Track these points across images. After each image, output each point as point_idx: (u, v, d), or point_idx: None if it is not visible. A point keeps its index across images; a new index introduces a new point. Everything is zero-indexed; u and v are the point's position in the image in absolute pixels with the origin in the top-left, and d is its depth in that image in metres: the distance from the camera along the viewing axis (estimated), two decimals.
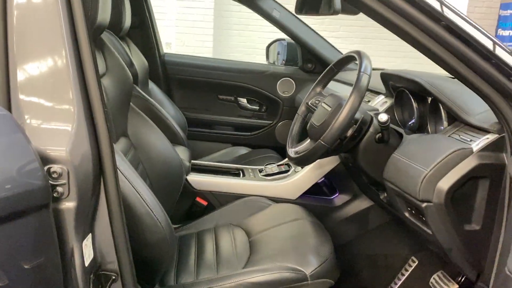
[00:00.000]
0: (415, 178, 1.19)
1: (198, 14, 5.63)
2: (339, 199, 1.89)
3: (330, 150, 1.35)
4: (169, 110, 2.29)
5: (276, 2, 2.48)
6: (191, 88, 2.70)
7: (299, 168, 1.89)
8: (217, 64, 2.75)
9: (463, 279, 1.62)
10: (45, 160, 0.85)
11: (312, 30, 2.51)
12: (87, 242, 0.95)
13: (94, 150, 0.91)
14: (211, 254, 1.45)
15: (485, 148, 1.15)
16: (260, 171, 1.95)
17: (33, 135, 0.84)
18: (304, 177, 1.84)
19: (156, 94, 2.35)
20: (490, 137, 1.16)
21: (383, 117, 1.29)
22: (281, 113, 2.71)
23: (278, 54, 2.91)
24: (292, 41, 2.64)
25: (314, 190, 1.91)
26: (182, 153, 1.88)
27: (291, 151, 1.53)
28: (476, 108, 1.26)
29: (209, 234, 1.58)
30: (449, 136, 1.26)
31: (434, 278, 1.74)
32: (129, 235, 1.01)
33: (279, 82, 2.66)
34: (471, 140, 1.19)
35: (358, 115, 1.34)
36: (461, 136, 1.24)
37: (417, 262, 1.87)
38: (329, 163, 1.84)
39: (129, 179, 1.11)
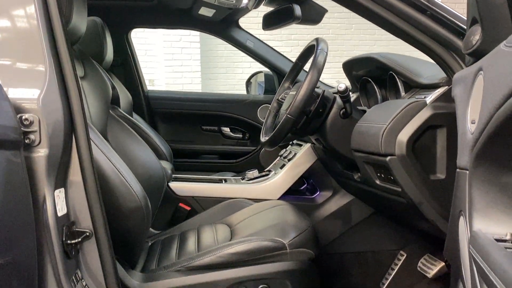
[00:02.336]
0: (376, 135, 1.26)
1: (186, 54, 5.85)
2: (320, 197, 1.92)
3: (298, 128, 1.42)
4: (154, 138, 2.36)
5: (249, 33, 2.67)
6: (175, 120, 2.81)
7: (279, 170, 1.94)
8: (199, 96, 2.88)
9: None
10: (17, 109, 0.92)
11: (283, 56, 2.68)
12: (60, 194, 0.98)
13: (64, 105, 0.98)
14: (192, 246, 1.45)
15: (438, 99, 1.23)
16: (242, 178, 1.99)
17: (7, 89, 0.92)
18: (284, 176, 1.89)
19: (141, 123, 2.44)
20: (441, 90, 1.25)
21: (342, 86, 1.38)
22: None
23: (258, 86, 3.06)
24: (269, 71, 2.80)
25: (295, 191, 1.94)
26: (164, 164, 1.93)
27: (263, 139, 1.59)
28: (426, 71, 1.36)
29: (192, 232, 1.59)
30: (405, 99, 1.35)
31: (421, 262, 1.73)
32: (104, 203, 1.04)
33: (259, 108, 2.77)
34: (425, 97, 1.28)
35: (319, 91, 1.43)
36: (416, 97, 1.32)
37: (405, 256, 1.86)
38: (306, 161, 1.90)
39: (102, 150, 1.16)
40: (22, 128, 0.91)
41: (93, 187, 1.02)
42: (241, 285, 1.25)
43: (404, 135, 1.22)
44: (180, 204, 1.84)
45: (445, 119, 1.22)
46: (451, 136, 1.22)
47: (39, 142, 0.93)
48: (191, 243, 1.47)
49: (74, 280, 0.99)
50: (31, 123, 0.92)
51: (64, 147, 0.98)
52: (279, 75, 2.71)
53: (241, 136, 2.86)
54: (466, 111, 0.83)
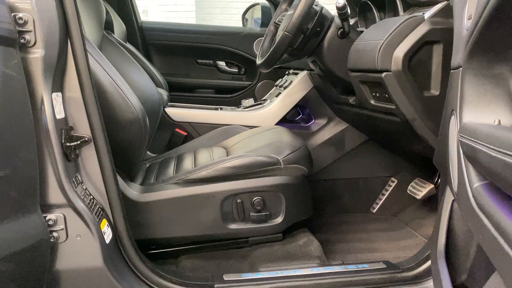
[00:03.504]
0: (373, 51, 1.25)
1: None
2: (315, 125, 1.94)
3: (295, 47, 1.41)
4: (150, 66, 2.34)
5: None
6: (170, 53, 2.77)
7: (275, 99, 1.94)
8: (194, 28, 2.82)
9: (438, 178, 1.67)
10: (11, 8, 0.91)
11: None
12: (57, 97, 0.99)
13: (58, 7, 0.97)
14: (189, 164, 1.48)
15: (436, 15, 1.22)
16: (238, 107, 2.01)
17: None
18: (279, 104, 1.90)
19: (137, 53, 2.41)
20: (439, 5, 1.23)
21: (340, 2, 1.35)
22: (259, 73, 2.77)
23: (254, 23, 3.00)
24: (266, 3, 2.73)
25: (290, 121, 1.96)
26: (160, 91, 1.93)
27: (259, 61, 1.59)
28: None
29: (188, 154, 1.61)
30: (403, 16, 1.33)
31: (411, 186, 1.78)
32: (101, 112, 1.05)
33: (255, 42, 2.73)
34: (423, 13, 1.26)
35: (317, 8, 1.41)
36: (414, 14, 1.31)
37: (396, 182, 1.91)
38: (302, 89, 1.90)
39: (98, 61, 1.16)
40: (17, 28, 0.90)
41: (90, 94, 1.02)
42: (237, 197, 1.29)
43: (400, 51, 1.22)
44: (177, 130, 1.86)
45: (442, 34, 1.21)
46: (447, 52, 1.22)
47: (35, 43, 0.93)
48: (188, 162, 1.50)
49: (75, 182, 1.02)
50: (26, 22, 0.92)
51: (60, 50, 0.97)
52: (276, 6, 2.64)
53: (237, 70, 2.84)
54: (464, 9, 0.83)
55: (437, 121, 1.27)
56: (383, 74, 1.24)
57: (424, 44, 1.22)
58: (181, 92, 2.77)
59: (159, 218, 1.27)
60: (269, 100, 1.98)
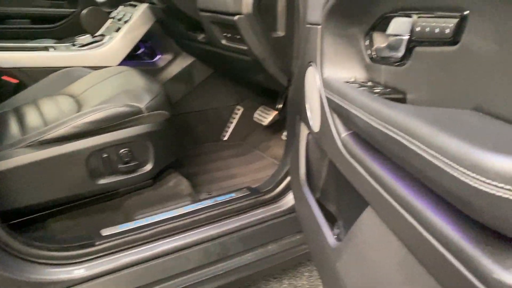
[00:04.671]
0: None
1: None
2: (161, 60, 1.91)
3: None
4: None
5: None
6: None
7: (115, 34, 1.82)
8: None
9: (279, 106, 1.87)
10: None
11: None
12: None
13: None
14: (37, 120, 1.34)
15: None
16: (74, 44, 1.82)
17: None
18: (121, 41, 1.79)
19: None
20: None
21: None
22: None
23: None
24: None
25: (133, 56, 1.88)
26: None
27: None
28: None
29: (29, 107, 1.44)
30: None
31: (257, 113, 1.96)
32: None
33: None
34: None
35: None
36: None
37: (242, 109, 2.06)
38: (144, 23, 1.82)
39: None
40: None
41: None
42: (103, 152, 1.25)
43: None
44: (4, 78, 1.61)
45: None
46: None
47: None
48: (34, 118, 1.35)
49: None
50: None
51: None
52: None
53: None
54: None
55: (284, 59, 1.41)
56: (236, 17, 1.29)
57: None
58: None
59: (17, 186, 1.15)
60: (108, 36, 1.84)
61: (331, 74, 0.86)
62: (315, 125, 0.96)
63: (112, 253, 1.17)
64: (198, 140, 2.02)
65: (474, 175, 0.36)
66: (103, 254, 1.16)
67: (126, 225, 1.26)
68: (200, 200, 1.40)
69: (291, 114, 1.39)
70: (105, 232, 1.22)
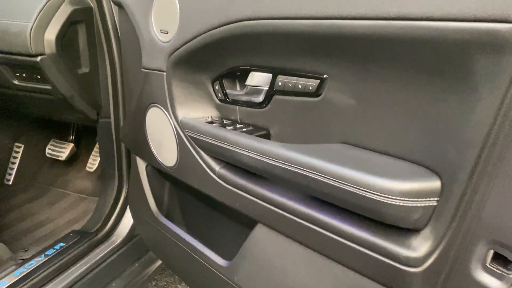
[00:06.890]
0: (22, 34, 1.17)
1: None
2: None
3: None
4: None
5: None
6: None
7: None
8: None
9: (72, 138, 1.79)
10: None
11: None
12: None
13: None
14: None
15: None
16: None
17: None
18: None
19: None
20: None
21: None
22: None
23: None
24: None
25: None
26: None
27: None
28: None
29: None
30: None
31: (49, 148, 1.82)
32: None
33: None
34: None
35: None
36: None
37: (23, 146, 1.86)
38: None
39: None
40: None
41: None
42: None
43: (51, 34, 1.21)
44: None
45: (83, 14, 1.28)
46: (89, 30, 1.32)
47: None
48: None
49: None
50: None
51: None
52: None
53: None
54: (148, 20, 0.98)
55: (92, 94, 1.39)
56: (39, 58, 1.20)
57: (71, 24, 1.25)
58: None
59: None
60: None
61: (185, 115, 0.97)
62: (169, 160, 1.05)
63: None
64: None
65: (382, 194, 0.57)
66: None
67: None
68: (29, 260, 1.26)
69: (105, 148, 1.40)
70: None
